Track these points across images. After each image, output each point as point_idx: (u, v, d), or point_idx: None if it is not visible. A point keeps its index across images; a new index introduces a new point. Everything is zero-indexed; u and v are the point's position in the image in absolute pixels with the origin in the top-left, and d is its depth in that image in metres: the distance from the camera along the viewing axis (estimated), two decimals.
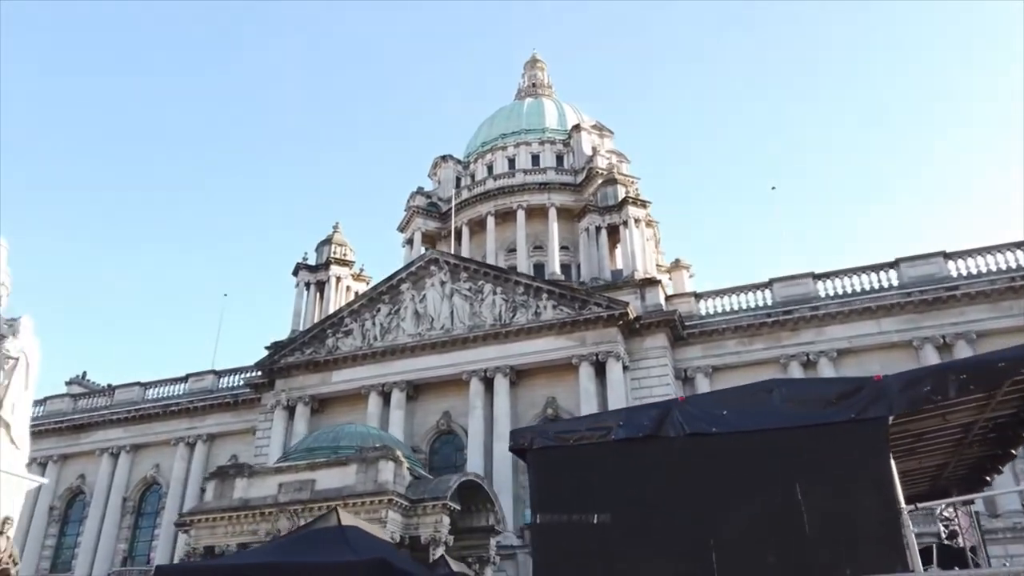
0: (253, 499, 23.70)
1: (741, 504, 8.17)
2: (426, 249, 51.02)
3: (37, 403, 46.67)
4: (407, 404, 34.72)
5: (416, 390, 35.12)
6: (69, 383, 50.47)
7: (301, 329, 39.73)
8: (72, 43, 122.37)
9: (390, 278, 37.29)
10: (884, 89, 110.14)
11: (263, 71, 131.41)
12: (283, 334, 40.37)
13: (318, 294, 41.72)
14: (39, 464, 43.04)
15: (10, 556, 13.79)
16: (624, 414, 9.20)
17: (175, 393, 42.72)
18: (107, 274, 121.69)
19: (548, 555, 8.72)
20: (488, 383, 33.42)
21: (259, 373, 38.71)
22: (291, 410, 36.27)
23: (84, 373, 51.53)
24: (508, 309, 34.08)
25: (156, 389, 43.59)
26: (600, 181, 42.70)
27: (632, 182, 39.56)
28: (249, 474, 24.43)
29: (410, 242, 51.44)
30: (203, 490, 39.83)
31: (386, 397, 34.95)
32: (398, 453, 23.90)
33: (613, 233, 37.16)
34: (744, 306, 33.73)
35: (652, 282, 34.08)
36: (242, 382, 40.69)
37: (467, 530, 24.77)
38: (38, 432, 44.06)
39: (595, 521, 8.58)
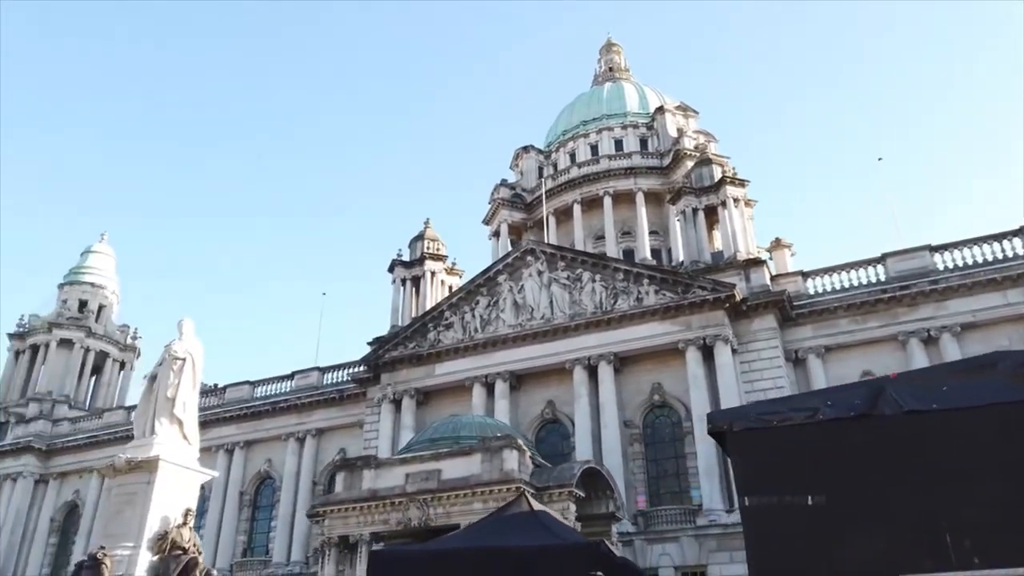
0: (381, 489, 24.40)
1: (972, 483, 7.87)
2: (512, 240, 51.41)
3: None
4: (510, 394, 35.00)
5: (519, 380, 35.36)
6: None
7: (400, 324, 40.51)
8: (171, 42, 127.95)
9: (487, 271, 37.62)
10: (1000, 47, 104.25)
11: (341, 73, 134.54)
12: (379, 330, 41.43)
13: (414, 289, 42.46)
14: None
15: (194, 545, 14.60)
16: (831, 393, 8.96)
17: (282, 390, 44.28)
18: (208, 278, 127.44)
19: (761, 539, 8.58)
20: (592, 371, 33.36)
21: (363, 368, 39.69)
22: (397, 403, 37.09)
23: None
24: (609, 296, 33.89)
25: (264, 387, 45.27)
26: (692, 162, 41.96)
27: (726, 161, 38.64)
28: (376, 465, 25.15)
29: (496, 234, 51.77)
30: (315, 483, 41.31)
31: (489, 388, 35.32)
32: (520, 442, 24.18)
33: (710, 214, 36.44)
34: (856, 283, 32.59)
35: (757, 262, 33.30)
36: (347, 377, 41.81)
37: (587, 517, 24.83)
38: None
39: (809, 503, 8.47)
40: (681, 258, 44.68)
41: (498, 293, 36.74)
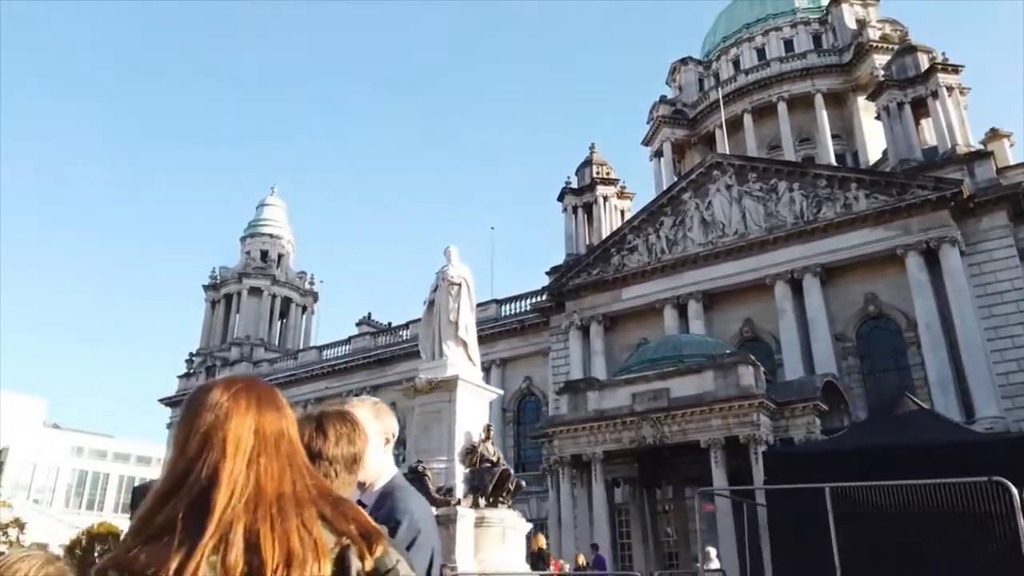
0: (608, 410, 24.59)
1: None
2: (675, 160, 49.65)
3: (343, 343, 52.21)
4: (704, 314, 34.16)
5: (711, 299, 34.39)
6: (359, 324, 55.86)
7: (576, 252, 40.35)
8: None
9: (669, 189, 36.48)
10: None
11: (489, 10, 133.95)
12: (548, 260, 41.47)
13: (586, 216, 41.98)
14: (355, 395, 48.12)
15: (499, 458, 15.13)
16: None
17: None
18: (375, 222, 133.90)
19: None
20: (795, 285, 31.83)
21: (544, 298, 40.03)
22: (584, 330, 37.18)
23: (369, 314, 56.66)
24: (810, 205, 31.93)
25: None
26: (879, 55, 38.31)
27: (932, 48, 34.86)
28: (599, 387, 25.34)
29: (658, 154, 50.05)
30: (504, 410, 42.55)
31: (681, 309, 34.61)
32: (753, 358, 23.49)
33: (916, 108, 33.22)
34: None
35: (981, 155, 30.18)
36: (528, 308, 42.33)
37: (824, 432, 24.02)
38: (349, 368, 49.41)
39: None
40: (871, 160, 41.59)
41: (683, 212, 35.55)
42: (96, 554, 61.13)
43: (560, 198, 42.86)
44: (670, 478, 28.02)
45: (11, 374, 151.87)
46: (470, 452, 14.49)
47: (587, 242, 40.97)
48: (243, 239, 61.10)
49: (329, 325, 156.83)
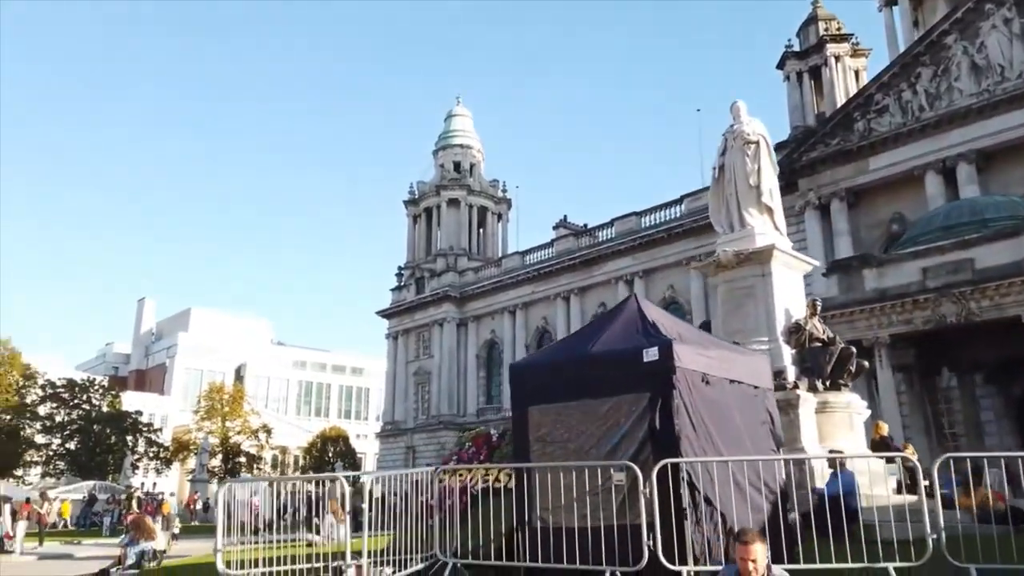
0: (891, 288, 21.48)
1: None
2: (912, 7, 42.45)
3: (545, 246, 51.56)
4: (978, 177, 29.12)
5: (987, 160, 29.19)
6: (555, 227, 54.86)
7: (804, 124, 35.98)
8: None
9: (928, 34, 30.93)
10: None
11: None
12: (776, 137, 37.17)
13: (812, 82, 37.16)
14: (562, 298, 47.91)
15: (830, 336, 13.05)
16: None
17: (673, 216, 42.99)
18: (564, 123, 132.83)
19: None
20: None
21: None
22: (824, 208, 33.38)
23: (565, 216, 55.38)
24: None
25: (652, 216, 44.43)
26: None
27: None
28: (877, 264, 22.22)
29: (890, 2, 42.96)
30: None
31: (947, 174, 29.76)
32: None
33: None
34: None
35: None
36: None
37: None
38: (555, 271, 48.78)
39: None
40: None
41: (946, 59, 30.04)
42: (330, 454, 67.92)
43: (780, 65, 38.19)
44: (953, 364, 24.55)
45: (241, 299, 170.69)
46: (796, 331, 12.56)
47: (817, 111, 36.46)
48: (435, 152, 61.61)
49: (523, 231, 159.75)
